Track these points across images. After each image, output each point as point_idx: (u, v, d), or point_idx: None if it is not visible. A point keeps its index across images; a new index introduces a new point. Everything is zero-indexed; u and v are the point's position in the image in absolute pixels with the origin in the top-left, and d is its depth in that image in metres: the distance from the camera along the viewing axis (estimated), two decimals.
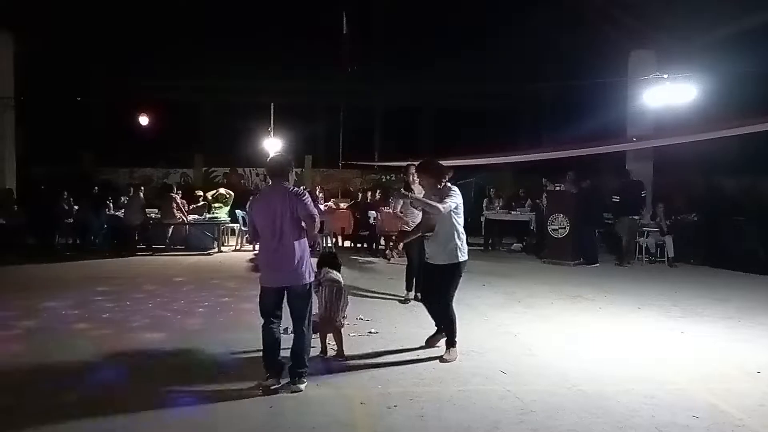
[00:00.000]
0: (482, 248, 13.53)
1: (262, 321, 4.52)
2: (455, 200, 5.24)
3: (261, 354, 4.52)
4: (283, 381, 4.44)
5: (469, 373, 4.82)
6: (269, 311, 4.52)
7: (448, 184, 5.39)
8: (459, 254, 5.29)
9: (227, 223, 13.35)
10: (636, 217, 11.46)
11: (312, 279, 4.62)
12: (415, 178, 6.77)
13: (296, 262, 4.43)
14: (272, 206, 4.43)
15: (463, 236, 5.43)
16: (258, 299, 4.58)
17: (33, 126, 15.81)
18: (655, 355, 5.40)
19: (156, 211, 12.89)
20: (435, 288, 5.42)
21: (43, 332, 6.01)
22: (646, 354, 5.44)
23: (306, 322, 4.54)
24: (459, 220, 5.37)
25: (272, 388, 4.35)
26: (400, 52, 17.30)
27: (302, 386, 4.40)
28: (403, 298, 7.65)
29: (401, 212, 7.64)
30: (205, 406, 4.11)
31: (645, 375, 4.85)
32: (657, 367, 5.06)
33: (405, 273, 7.71)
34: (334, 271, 5.35)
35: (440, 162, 5.62)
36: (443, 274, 5.30)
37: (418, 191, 6.38)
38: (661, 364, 5.13)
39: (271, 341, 4.49)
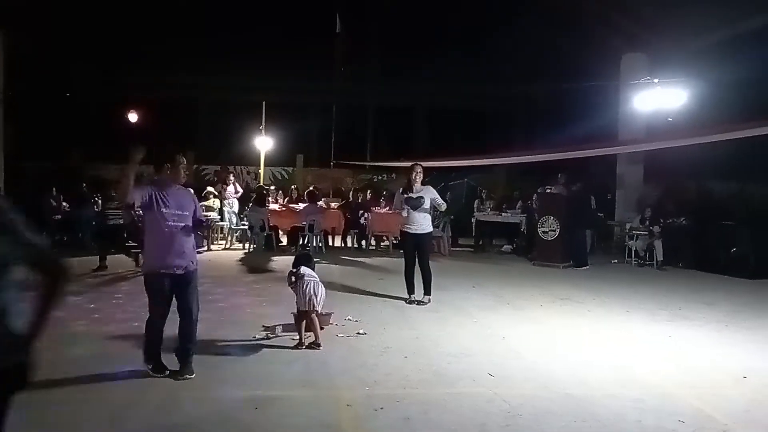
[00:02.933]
0: (473, 249, 13.54)
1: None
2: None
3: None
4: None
5: (457, 376, 4.81)
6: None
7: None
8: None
9: (217, 222, 13.28)
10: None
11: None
12: (417, 177, 7.49)
13: None
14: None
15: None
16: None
17: (22, 122, 15.68)
18: (642, 359, 5.40)
19: None
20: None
21: None
22: (634, 358, 5.44)
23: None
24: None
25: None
26: (394, 52, 17.32)
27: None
28: (407, 300, 7.65)
29: (398, 210, 7.83)
30: (188, 407, 4.07)
31: (632, 379, 4.85)
32: (644, 371, 5.06)
33: (404, 276, 7.74)
34: (309, 269, 5.61)
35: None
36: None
37: (417, 189, 7.50)
38: (649, 369, 5.13)
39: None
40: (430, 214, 7.67)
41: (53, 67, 15.99)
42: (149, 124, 18.44)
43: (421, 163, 7.84)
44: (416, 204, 7.47)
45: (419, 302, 7.51)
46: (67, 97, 16.49)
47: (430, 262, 7.75)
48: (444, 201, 8.03)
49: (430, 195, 7.57)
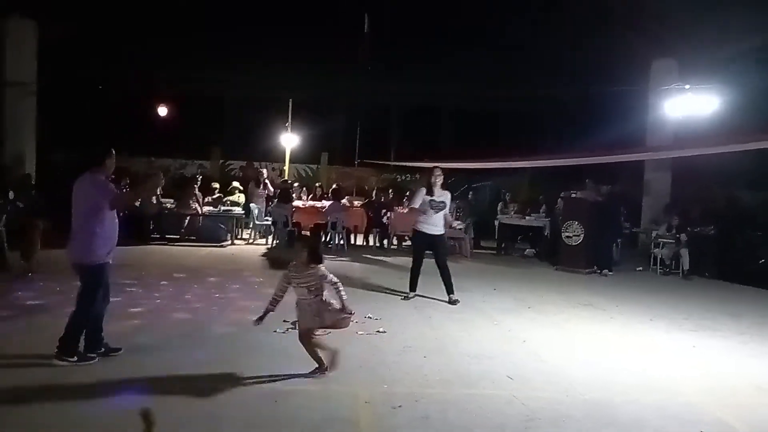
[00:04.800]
0: (495, 252, 13.48)
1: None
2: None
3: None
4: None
5: (476, 377, 4.80)
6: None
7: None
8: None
9: (241, 216, 13.42)
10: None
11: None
12: (437, 179, 7.64)
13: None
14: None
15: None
16: None
17: (53, 112, 15.96)
18: (665, 368, 5.34)
19: (171, 200, 12.98)
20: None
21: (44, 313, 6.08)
22: (656, 366, 5.38)
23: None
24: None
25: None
26: (420, 51, 17.27)
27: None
28: (404, 296, 7.82)
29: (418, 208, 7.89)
30: (209, 399, 4.12)
31: (654, 387, 4.80)
32: (666, 379, 5.01)
33: (410, 273, 7.90)
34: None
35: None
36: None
37: (439, 193, 7.67)
38: (671, 377, 5.07)
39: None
40: (447, 218, 8.00)
41: (84, 59, 16.25)
42: (176, 119, 18.65)
43: (442, 166, 8.08)
44: (440, 207, 7.67)
45: (453, 302, 7.59)
46: (97, 88, 16.73)
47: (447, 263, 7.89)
48: (468, 202, 8.13)
49: (448, 200, 7.85)
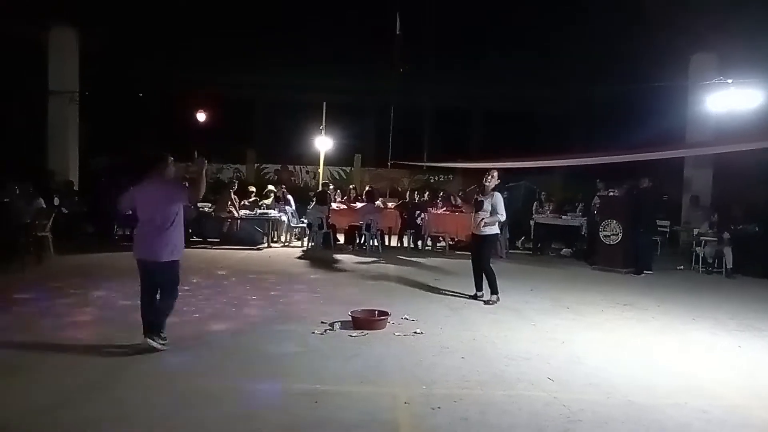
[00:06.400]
0: (531, 252, 13.34)
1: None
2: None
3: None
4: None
5: (515, 378, 4.77)
6: None
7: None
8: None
9: (277, 219, 13.56)
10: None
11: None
12: (488, 180, 7.76)
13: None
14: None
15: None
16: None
17: (95, 119, 16.41)
18: (709, 369, 5.22)
19: (209, 204, 13.20)
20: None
21: (87, 315, 6.25)
22: (700, 367, 5.27)
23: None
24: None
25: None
26: (452, 53, 17.22)
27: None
28: (473, 295, 7.93)
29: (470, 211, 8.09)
30: (248, 399, 4.19)
31: (698, 389, 4.69)
32: (711, 381, 4.89)
33: (473, 273, 8.02)
34: None
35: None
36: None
37: (486, 193, 7.78)
38: (716, 379, 4.95)
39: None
40: (487, 219, 7.70)
41: (123, 66, 16.67)
42: (211, 123, 18.97)
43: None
44: (478, 207, 7.76)
45: (486, 302, 7.64)
46: (137, 95, 17.14)
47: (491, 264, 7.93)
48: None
49: (491, 201, 7.74)
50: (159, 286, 5.26)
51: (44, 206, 10.74)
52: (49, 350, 5.12)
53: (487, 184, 7.79)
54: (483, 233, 7.77)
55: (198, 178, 5.18)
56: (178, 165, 5.55)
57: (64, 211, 12.23)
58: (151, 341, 5.09)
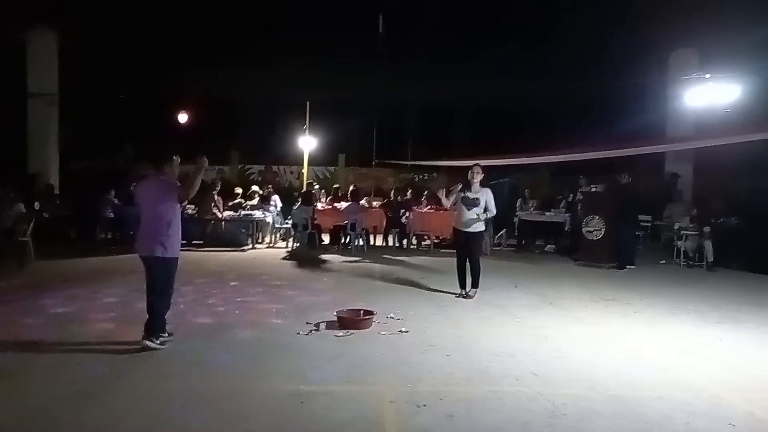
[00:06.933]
0: (515, 249, 13.42)
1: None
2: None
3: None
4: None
5: (500, 374, 4.80)
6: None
7: None
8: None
9: (261, 220, 13.51)
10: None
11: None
12: (475, 177, 7.68)
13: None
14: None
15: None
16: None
17: (76, 121, 16.23)
18: (691, 362, 5.28)
19: (193, 206, 13.11)
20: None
21: (75, 321, 6.19)
22: (682, 360, 5.33)
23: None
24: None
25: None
26: (436, 50, 17.24)
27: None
28: (457, 294, 7.89)
29: (453, 206, 8.04)
30: (235, 401, 4.17)
31: (680, 381, 4.75)
32: (693, 373, 4.95)
33: (456, 272, 7.98)
34: None
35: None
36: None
37: (476, 190, 7.71)
38: (698, 371, 5.01)
39: None
40: (482, 216, 7.73)
41: (103, 67, 16.50)
42: (194, 124, 18.85)
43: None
44: (473, 204, 7.67)
45: (466, 295, 7.69)
46: (117, 97, 16.98)
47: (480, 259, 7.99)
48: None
49: (485, 197, 7.72)
50: (153, 283, 5.30)
51: (24, 211, 10.61)
52: (33, 354, 5.07)
53: (474, 180, 7.73)
54: (476, 230, 7.76)
55: (193, 176, 5.27)
56: (184, 166, 5.55)
57: (45, 215, 12.10)
58: (147, 342, 5.17)
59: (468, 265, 7.81)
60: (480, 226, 7.82)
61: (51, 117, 14.61)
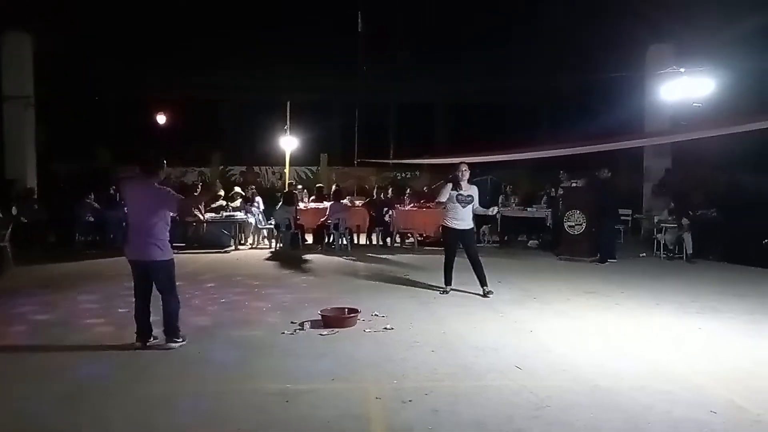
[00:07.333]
0: (498, 245, 13.50)
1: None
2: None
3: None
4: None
5: (484, 369, 4.83)
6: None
7: None
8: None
9: (244, 221, 13.44)
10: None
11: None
12: (464, 174, 7.73)
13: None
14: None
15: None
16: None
17: (52, 124, 16.02)
18: (672, 352, 5.35)
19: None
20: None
21: (58, 326, 6.12)
22: (663, 350, 5.40)
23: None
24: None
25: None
26: (416, 49, 17.29)
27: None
28: (441, 290, 7.95)
29: (443, 204, 7.97)
30: (220, 401, 4.15)
31: (661, 371, 4.81)
32: (674, 363, 5.02)
33: (443, 269, 8.01)
34: None
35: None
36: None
37: (465, 187, 7.78)
38: (679, 361, 5.09)
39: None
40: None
41: (80, 69, 16.32)
42: (174, 126, 18.70)
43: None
44: (468, 201, 7.74)
45: (486, 294, 7.67)
46: (94, 99, 16.78)
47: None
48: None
49: (476, 194, 7.86)
50: (157, 288, 5.36)
51: (1, 216, 10.46)
52: (17, 359, 5.01)
53: (464, 178, 7.79)
54: (471, 226, 7.89)
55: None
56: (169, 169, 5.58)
57: (24, 220, 11.93)
58: (171, 344, 5.32)
59: (469, 265, 7.82)
60: (472, 223, 7.94)
61: (27, 120, 14.41)
